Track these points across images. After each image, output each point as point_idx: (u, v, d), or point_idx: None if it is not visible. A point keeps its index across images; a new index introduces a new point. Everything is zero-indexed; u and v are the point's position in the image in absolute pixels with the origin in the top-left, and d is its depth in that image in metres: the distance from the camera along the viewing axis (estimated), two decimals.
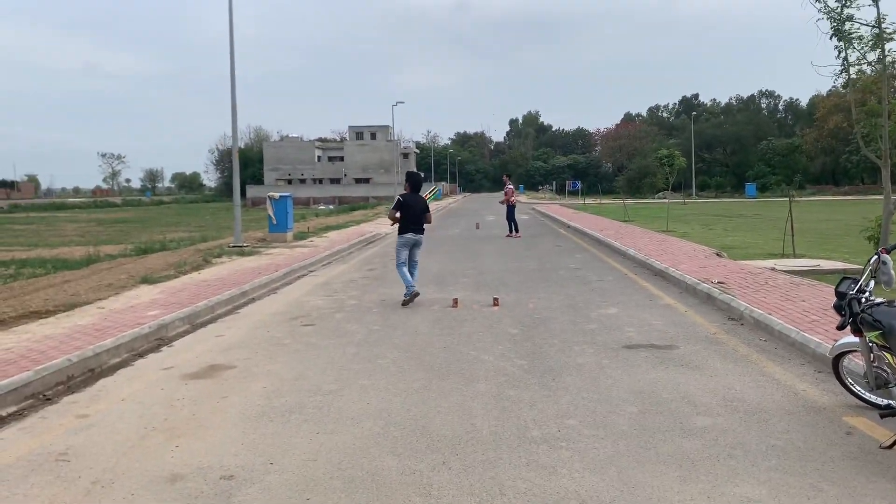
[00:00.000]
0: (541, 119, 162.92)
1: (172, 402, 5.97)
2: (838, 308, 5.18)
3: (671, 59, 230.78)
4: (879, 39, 9.94)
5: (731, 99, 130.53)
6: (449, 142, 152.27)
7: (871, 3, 9.96)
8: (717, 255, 15.14)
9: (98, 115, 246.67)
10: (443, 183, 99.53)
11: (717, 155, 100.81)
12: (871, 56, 10.21)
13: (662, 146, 74.85)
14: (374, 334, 8.57)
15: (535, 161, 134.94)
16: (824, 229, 23.92)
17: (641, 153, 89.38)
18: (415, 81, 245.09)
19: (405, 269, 10.92)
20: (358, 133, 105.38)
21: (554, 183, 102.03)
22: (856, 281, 5.18)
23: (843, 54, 10.35)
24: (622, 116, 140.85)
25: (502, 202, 24.33)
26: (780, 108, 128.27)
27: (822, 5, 10.33)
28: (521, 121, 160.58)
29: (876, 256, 5.22)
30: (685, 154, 73.51)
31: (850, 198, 62.29)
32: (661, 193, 66.60)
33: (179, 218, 49.61)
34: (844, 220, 28.55)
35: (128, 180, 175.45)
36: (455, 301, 10.49)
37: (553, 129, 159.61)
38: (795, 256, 14.60)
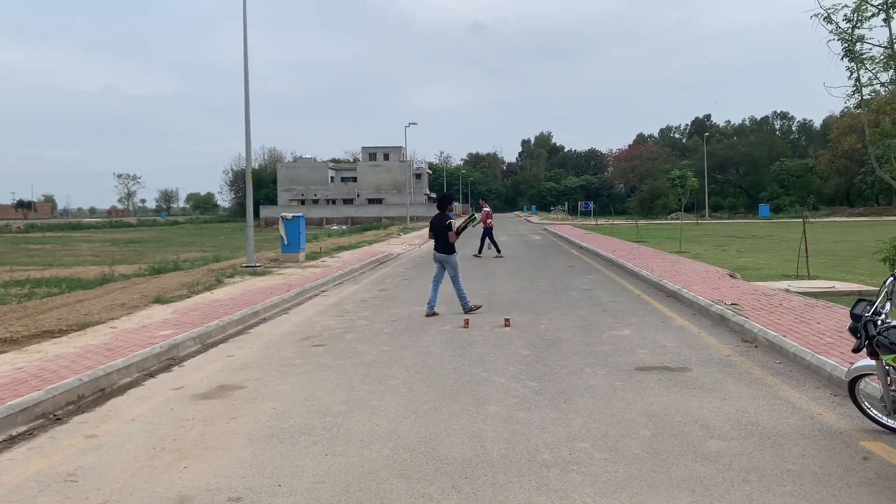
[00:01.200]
0: (553, 140, 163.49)
1: (182, 422, 5.95)
2: (854, 330, 5.10)
3: (684, 80, 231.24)
4: (892, 59, 9.90)
5: (744, 120, 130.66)
6: (461, 162, 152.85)
7: (883, 23, 9.94)
8: (731, 276, 15.02)
9: (115, 135, 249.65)
10: (454, 204, 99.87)
11: (731, 176, 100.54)
12: (884, 76, 10.17)
13: (675, 167, 74.90)
14: (385, 355, 8.54)
15: (546, 182, 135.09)
16: (839, 251, 23.71)
17: (653, 174, 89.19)
18: (428, 103, 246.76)
19: (433, 286, 11.75)
20: (371, 154, 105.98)
21: (566, 203, 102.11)
22: (871, 303, 5.11)
23: (854, 75, 10.31)
24: (634, 137, 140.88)
25: (476, 224, 24.44)
26: (794, 129, 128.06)
27: (834, 26, 10.31)
28: (533, 142, 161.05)
29: (891, 278, 5.16)
30: (698, 175, 73.52)
31: (864, 219, 61.80)
32: (673, 214, 66.42)
33: (193, 238, 49.85)
34: (859, 241, 28.29)
35: (143, 200, 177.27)
36: (466, 322, 10.45)
37: (565, 150, 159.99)
38: (810, 278, 14.46)
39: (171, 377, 7.61)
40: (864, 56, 10.21)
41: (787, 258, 19.61)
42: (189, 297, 13.09)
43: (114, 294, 13.93)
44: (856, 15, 10.06)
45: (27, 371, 7.06)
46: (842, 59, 10.39)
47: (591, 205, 73.44)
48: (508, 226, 49.36)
